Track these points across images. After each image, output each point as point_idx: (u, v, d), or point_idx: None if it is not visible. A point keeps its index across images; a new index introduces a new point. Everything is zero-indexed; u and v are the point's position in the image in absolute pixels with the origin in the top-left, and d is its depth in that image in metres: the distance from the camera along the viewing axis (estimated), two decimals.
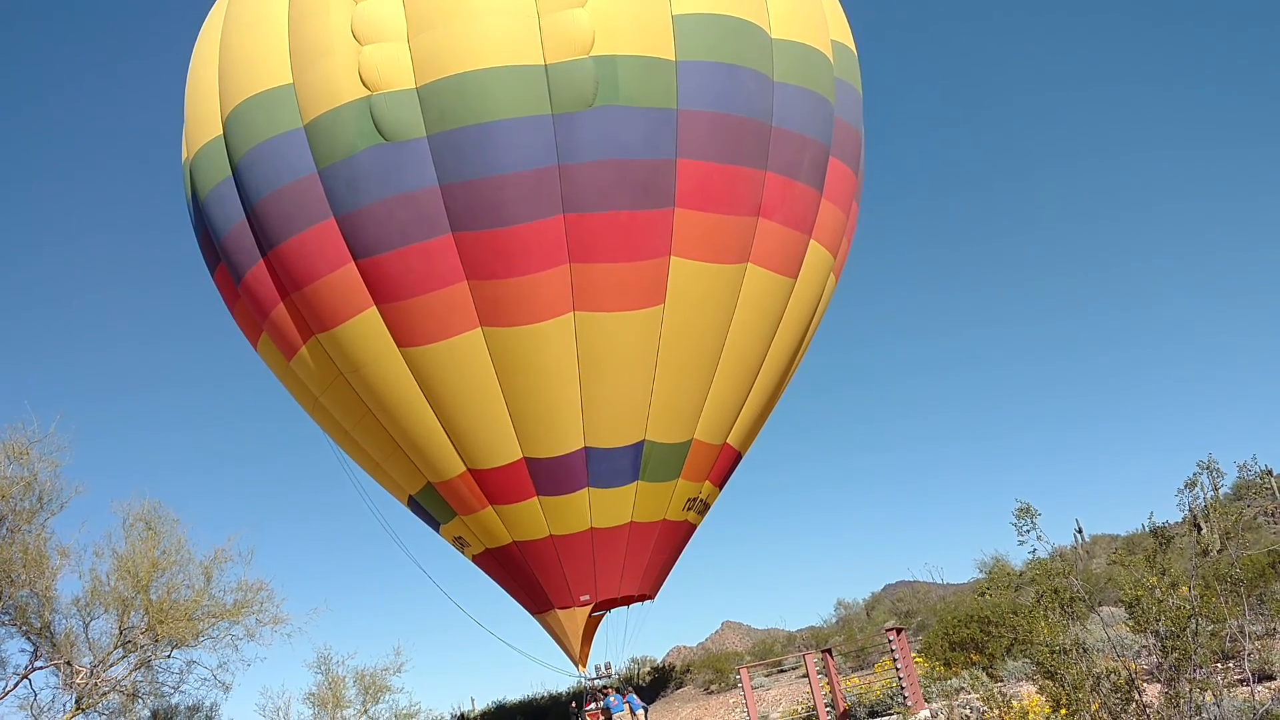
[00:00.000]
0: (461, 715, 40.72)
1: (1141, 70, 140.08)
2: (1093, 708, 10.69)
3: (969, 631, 24.42)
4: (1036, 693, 17.24)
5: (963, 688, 21.05)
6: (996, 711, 14.72)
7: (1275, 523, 46.60)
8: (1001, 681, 20.61)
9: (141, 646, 14.89)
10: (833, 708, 19.78)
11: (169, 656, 15.52)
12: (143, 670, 15.11)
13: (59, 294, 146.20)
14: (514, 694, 45.51)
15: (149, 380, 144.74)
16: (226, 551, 15.85)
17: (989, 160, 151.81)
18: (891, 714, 18.56)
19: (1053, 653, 11.54)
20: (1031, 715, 14.79)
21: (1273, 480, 54.56)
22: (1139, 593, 12.09)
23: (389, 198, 23.79)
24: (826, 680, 20.36)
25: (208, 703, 18.04)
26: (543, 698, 40.30)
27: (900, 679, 18.09)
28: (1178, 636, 10.65)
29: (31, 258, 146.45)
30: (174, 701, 16.96)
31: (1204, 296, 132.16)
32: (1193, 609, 11.01)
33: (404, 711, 19.29)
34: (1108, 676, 11.65)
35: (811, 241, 26.94)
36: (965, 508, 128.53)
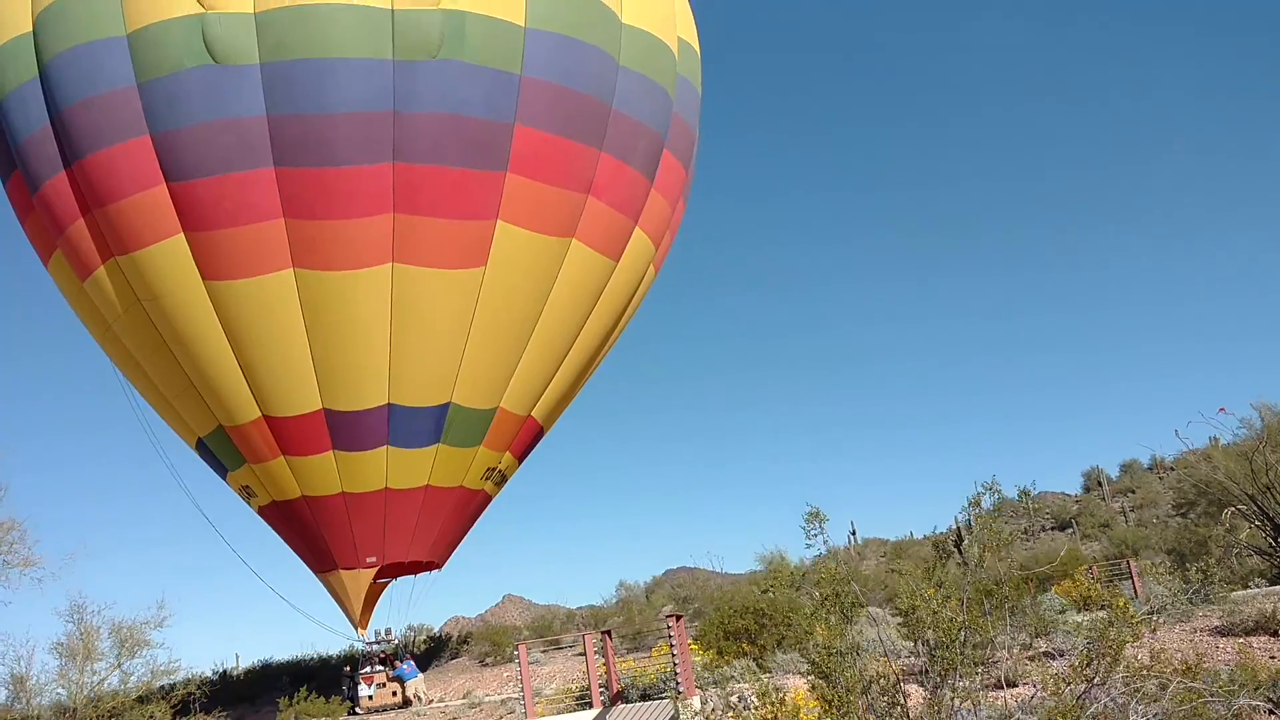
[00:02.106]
0: (224, 673, 39.04)
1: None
2: (860, 710, 11.29)
3: (744, 622, 25.26)
4: (807, 689, 18.11)
5: (734, 677, 21.81)
6: (770, 708, 15.25)
7: (1026, 539, 50.46)
8: (770, 673, 21.48)
9: None
10: (606, 688, 20.12)
11: None
12: None
13: None
14: (281, 653, 43.96)
15: None
16: None
17: (824, 165, 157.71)
18: (664, 697, 19.02)
19: (829, 654, 12.02)
20: (802, 713, 15.32)
21: (1029, 501, 59.17)
22: (915, 602, 12.61)
23: (213, 121, 22.78)
24: (603, 661, 20.71)
25: None
26: (312, 659, 39.19)
27: (675, 665, 18.58)
28: (946, 647, 11.20)
29: None
30: None
31: (998, 312, 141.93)
32: (962, 623, 11.65)
33: (162, 668, 18.43)
34: (877, 680, 12.24)
35: (637, 228, 27.45)
36: (748, 501, 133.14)
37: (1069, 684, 11.04)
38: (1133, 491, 56.32)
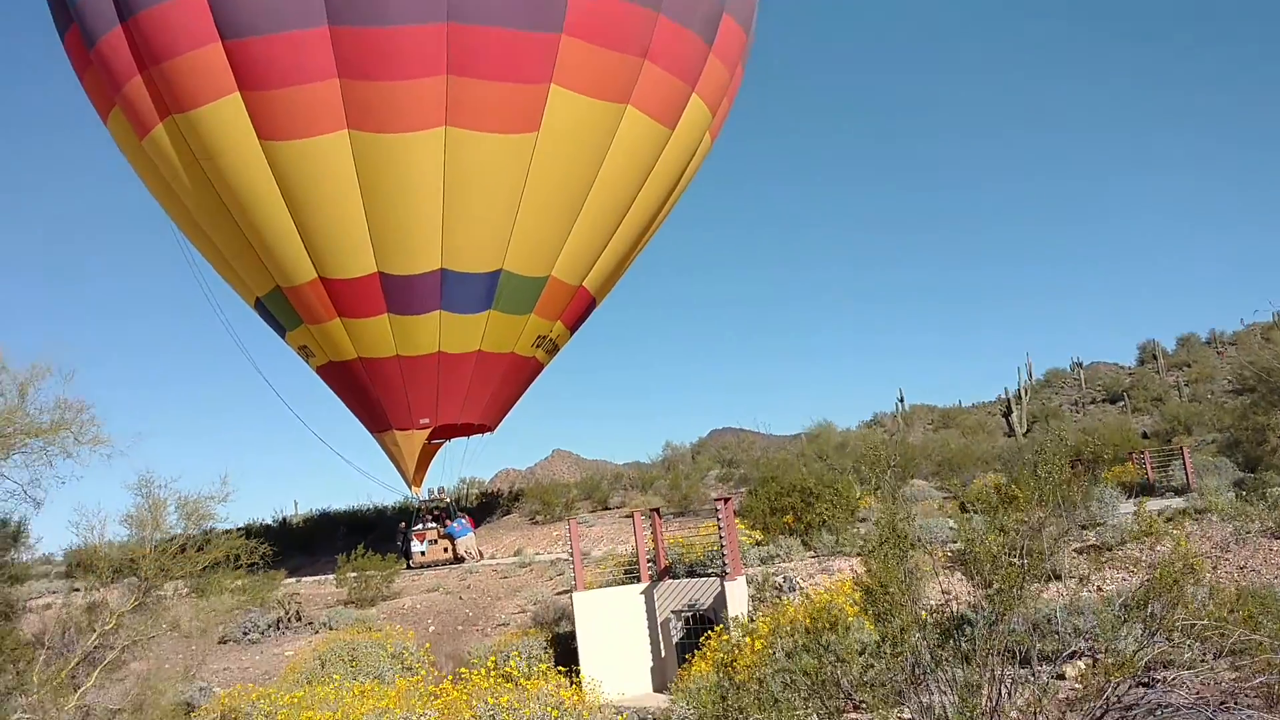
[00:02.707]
0: (284, 519, 40.74)
1: None
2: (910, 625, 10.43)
3: (790, 500, 25.40)
4: (852, 578, 18.18)
5: (778, 555, 22.09)
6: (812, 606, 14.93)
7: (1078, 411, 49.68)
8: (815, 553, 21.71)
9: None
10: (654, 562, 20.49)
11: None
12: None
13: None
14: (338, 503, 45.47)
15: None
16: (44, 366, 14.99)
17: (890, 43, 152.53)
18: (710, 574, 19.32)
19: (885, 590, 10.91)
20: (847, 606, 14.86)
21: (1080, 372, 57.97)
22: (978, 550, 11.12)
23: None
24: (651, 536, 21.03)
25: (16, 518, 17.39)
26: (368, 510, 40.74)
27: (723, 545, 18.78)
28: (1006, 592, 10.07)
29: None
30: None
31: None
32: (1022, 570, 10.37)
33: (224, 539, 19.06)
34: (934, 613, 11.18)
35: (694, 94, 26.81)
36: (796, 364, 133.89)
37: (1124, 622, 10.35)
38: (1188, 365, 54.10)
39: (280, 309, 27.42)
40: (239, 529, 26.13)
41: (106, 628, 16.14)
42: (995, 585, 9.08)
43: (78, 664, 15.60)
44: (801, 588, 19.04)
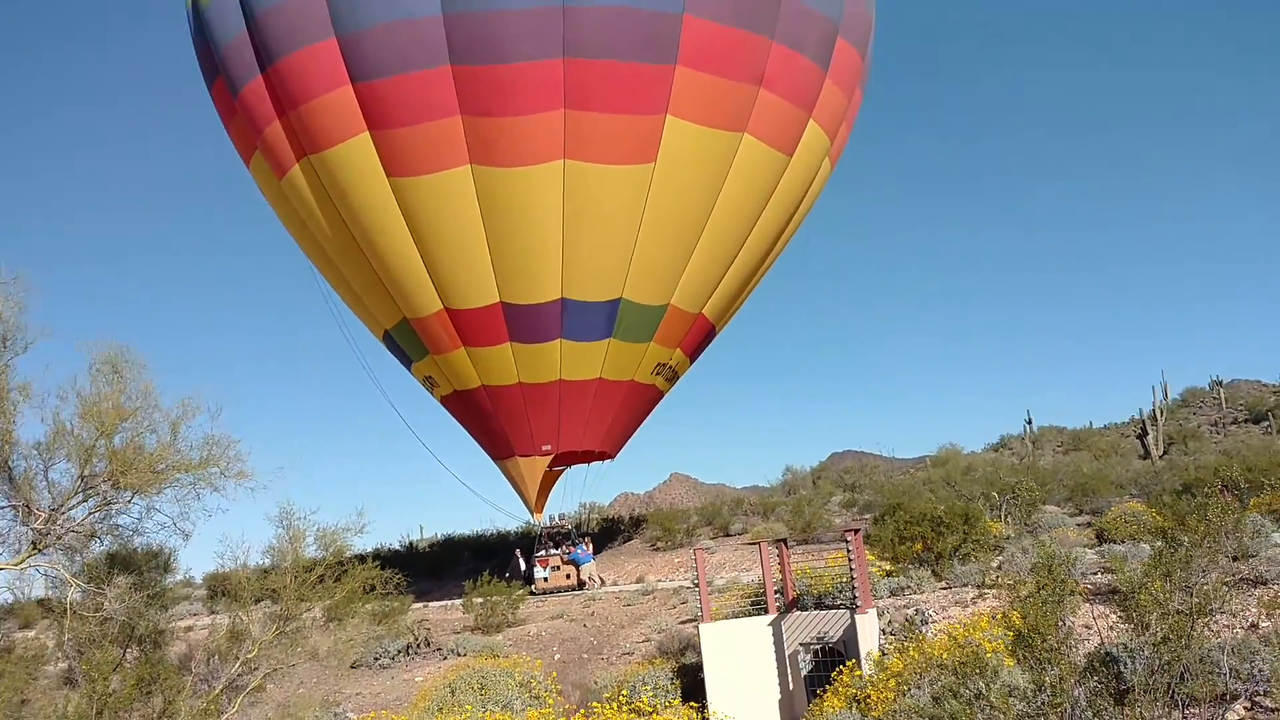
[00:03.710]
0: (410, 544, 41.37)
1: None
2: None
3: (920, 529, 24.63)
4: (990, 613, 17.41)
5: (908, 586, 21.43)
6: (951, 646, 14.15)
7: (1218, 432, 47.04)
8: (945, 583, 20.98)
9: (102, 493, 14.64)
10: (781, 594, 20.02)
11: (129, 503, 15.25)
12: (101, 513, 14.90)
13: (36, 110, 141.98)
14: (463, 528, 45.92)
15: (128, 213, 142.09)
16: (194, 404, 15.39)
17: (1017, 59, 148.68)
18: (839, 607, 18.77)
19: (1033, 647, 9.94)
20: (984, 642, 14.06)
21: (1220, 391, 54.84)
22: (1142, 597, 10.37)
23: (392, 21, 23.18)
24: (779, 567, 20.54)
25: (166, 549, 17.90)
26: (492, 535, 40.93)
27: (853, 577, 18.22)
28: (1174, 642, 9.51)
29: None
30: (134, 545, 16.79)
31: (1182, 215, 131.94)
32: (1193, 612, 9.83)
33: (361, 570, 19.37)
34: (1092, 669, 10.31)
35: (811, 120, 26.43)
36: (920, 386, 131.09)
37: None
38: None
39: (407, 340, 27.92)
40: (369, 554, 26.67)
41: (249, 655, 16.44)
42: (1161, 634, 8.42)
43: (221, 691, 15.88)
44: (935, 620, 18.31)
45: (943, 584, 21.20)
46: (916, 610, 19.00)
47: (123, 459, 14.26)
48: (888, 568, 22.74)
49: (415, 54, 23.33)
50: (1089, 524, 26.79)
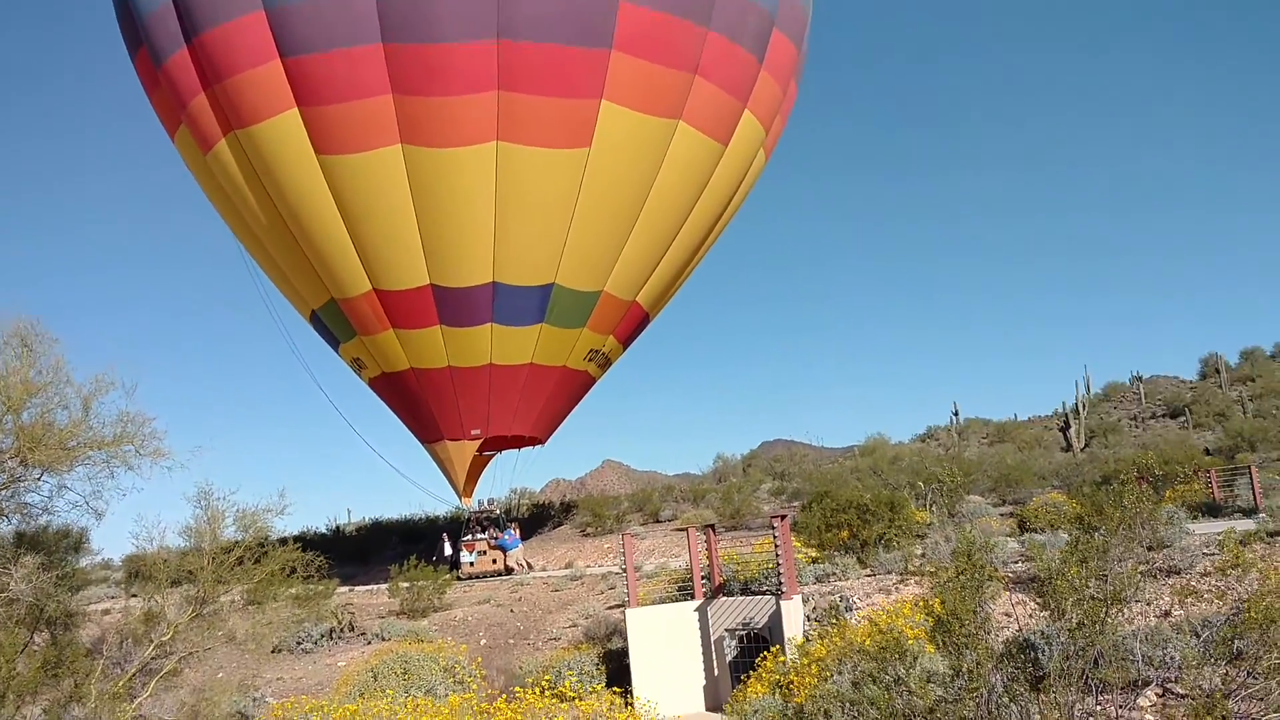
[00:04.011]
0: (338, 528, 40.73)
1: None
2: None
3: (846, 517, 24.83)
4: (914, 599, 17.52)
5: (833, 573, 21.58)
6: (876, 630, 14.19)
7: (1137, 426, 48.26)
8: (870, 570, 21.16)
9: (9, 470, 14.05)
10: (708, 579, 20.02)
11: (39, 480, 14.68)
12: (8, 491, 14.31)
13: None
14: (391, 513, 45.25)
15: (42, 179, 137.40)
16: (108, 379, 14.84)
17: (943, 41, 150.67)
18: (765, 593, 18.80)
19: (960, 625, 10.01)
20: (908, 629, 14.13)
21: (1140, 386, 56.27)
22: (1058, 584, 10.40)
23: None
24: (706, 553, 20.55)
25: (77, 529, 17.26)
26: (420, 520, 40.52)
27: (779, 563, 18.26)
28: (1088, 627, 9.68)
29: None
30: (42, 523, 16.13)
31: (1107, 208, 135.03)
32: (1107, 599, 10.00)
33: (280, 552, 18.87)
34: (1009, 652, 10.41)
35: (746, 111, 26.42)
36: (847, 375, 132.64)
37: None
38: (1253, 380, 52.04)
39: (335, 321, 27.39)
40: (294, 537, 26.13)
41: (164, 638, 16.00)
42: (1076, 619, 8.52)
43: (134, 675, 15.45)
44: (858, 607, 18.46)
45: (867, 571, 21.38)
46: (841, 597, 19.13)
47: (31, 435, 13.75)
48: (814, 555, 22.89)
49: (346, 30, 22.80)
50: (1012, 514, 27.28)
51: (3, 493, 14.34)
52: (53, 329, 14.09)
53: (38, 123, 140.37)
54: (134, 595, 18.06)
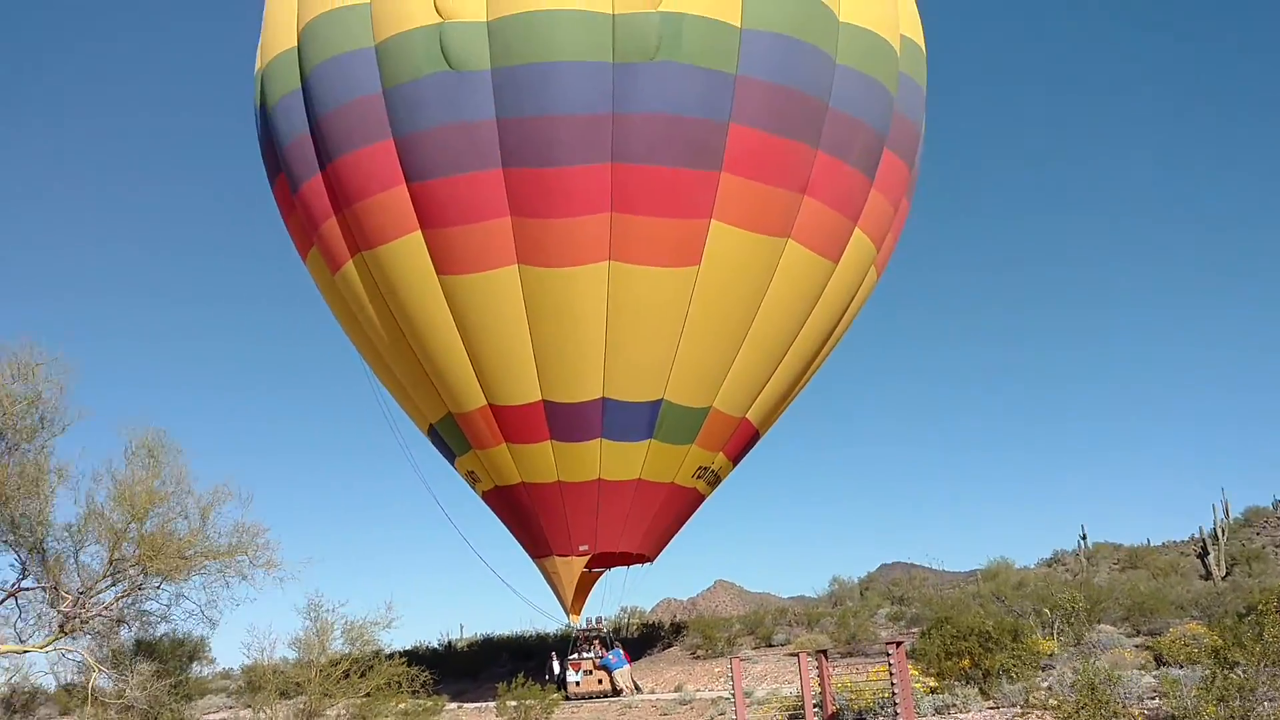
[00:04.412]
0: (449, 643, 40.66)
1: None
2: None
3: (967, 645, 23.70)
4: None
5: (953, 704, 20.53)
6: None
7: None
8: (993, 702, 20.05)
9: (130, 577, 14.57)
10: (820, 708, 19.22)
11: (158, 588, 15.11)
12: (130, 599, 14.79)
13: (90, 197, 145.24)
14: (502, 628, 45.12)
15: (170, 302, 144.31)
16: (225, 490, 15.34)
17: (1058, 169, 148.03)
18: None
19: None
20: None
21: None
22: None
23: (447, 125, 23.72)
24: (818, 679, 19.77)
25: (195, 636, 17.68)
26: (531, 636, 40.00)
27: (894, 692, 17.41)
28: None
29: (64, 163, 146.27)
30: (159, 632, 16.58)
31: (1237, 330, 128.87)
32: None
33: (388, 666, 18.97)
34: None
35: (856, 229, 26.40)
36: (970, 497, 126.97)
37: None
38: None
39: (451, 435, 27.89)
40: (405, 651, 26.20)
41: None
42: None
43: None
44: None
45: (990, 703, 20.21)
46: None
47: (152, 544, 14.13)
48: (932, 684, 21.78)
49: (469, 156, 23.79)
50: (1146, 645, 25.55)
51: (124, 600, 14.74)
52: (177, 438, 14.58)
53: (178, 235, 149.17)
54: (248, 706, 18.17)
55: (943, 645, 23.06)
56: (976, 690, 20.86)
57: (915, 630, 28.98)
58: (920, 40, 28.03)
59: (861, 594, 41.01)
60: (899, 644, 17.69)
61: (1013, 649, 21.78)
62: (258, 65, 27.87)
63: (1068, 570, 45.10)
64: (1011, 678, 20.75)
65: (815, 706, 18.95)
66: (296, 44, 25.89)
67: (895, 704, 17.10)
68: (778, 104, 23.72)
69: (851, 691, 20.48)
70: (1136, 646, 26.03)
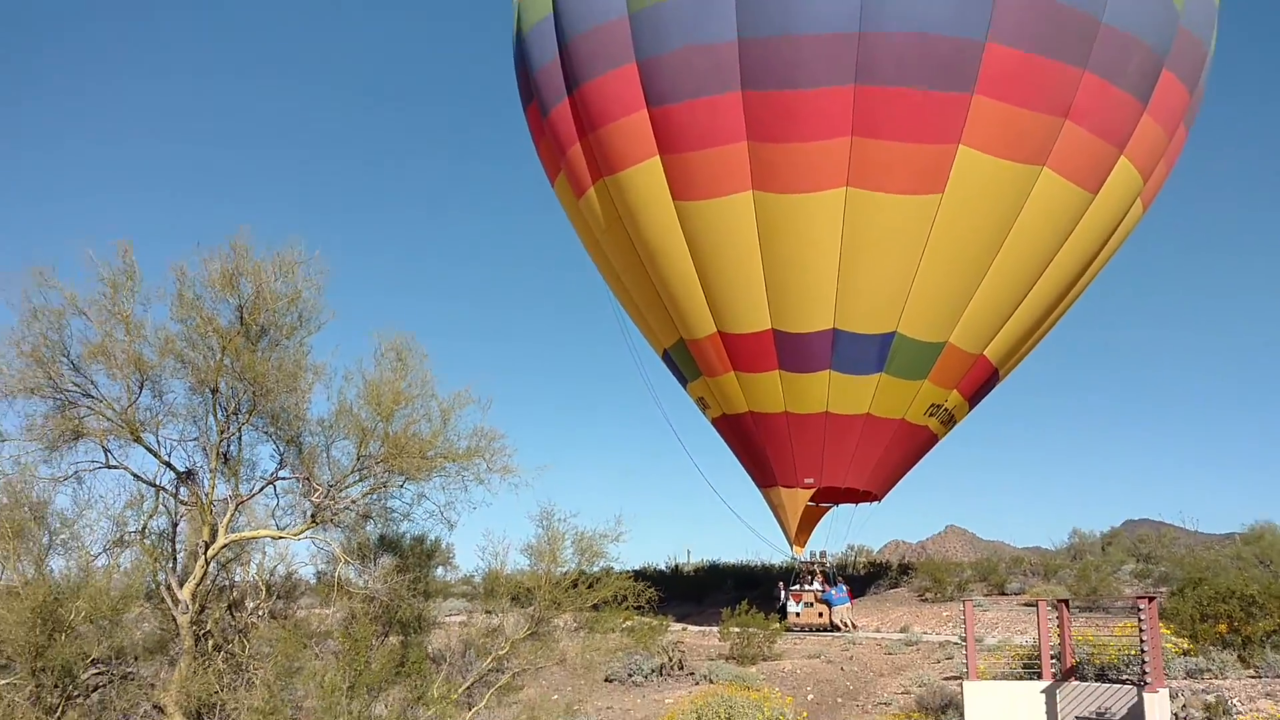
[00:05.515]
0: (676, 566, 41.28)
1: None
2: None
3: (1226, 607, 21.65)
4: None
5: (1208, 669, 18.88)
6: None
7: None
8: (1254, 671, 18.26)
9: (376, 474, 15.08)
10: (1058, 659, 18.03)
11: (401, 487, 15.62)
12: (375, 495, 15.34)
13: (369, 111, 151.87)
14: (728, 556, 45.36)
15: (429, 211, 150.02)
16: (466, 395, 15.61)
17: None
18: (1125, 682, 16.66)
19: None
20: None
21: None
22: None
23: (689, 45, 23.16)
24: (1057, 629, 18.54)
25: (433, 536, 18.31)
26: (756, 566, 40.03)
27: (1144, 649, 16.05)
28: None
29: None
30: (401, 529, 17.28)
31: None
32: None
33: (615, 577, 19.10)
34: None
35: (1122, 157, 23.98)
36: (1234, 455, 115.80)
37: None
38: None
39: (683, 360, 27.85)
40: (633, 570, 26.54)
41: (501, 652, 16.50)
42: None
43: (473, 684, 15.99)
44: (1240, 712, 15.80)
45: (1250, 672, 18.41)
46: (1218, 697, 16.52)
47: (396, 443, 14.57)
48: (1185, 646, 20.09)
49: (709, 79, 23.20)
50: None
51: (370, 496, 15.38)
52: (425, 344, 14.92)
53: (442, 154, 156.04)
54: (487, 611, 18.83)
55: (1198, 606, 21.20)
56: (1235, 657, 19.09)
57: (1164, 589, 26.84)
58: None
59: (1104, 549, 38.34)
60: (1151, 599, 16.24)
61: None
62: None
63: None
64: (1276, 647, 18.83)
65: (1053, 658, 17.80)
66: None
67: (1144, 661, 15.75)
68: (1041, 19, 21.71)
69: (1093, 646, 19.18)
70: None
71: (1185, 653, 19.42)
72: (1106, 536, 40.99)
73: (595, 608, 17.70)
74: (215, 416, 13.81)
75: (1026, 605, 27.39)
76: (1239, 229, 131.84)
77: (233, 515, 13.59)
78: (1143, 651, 15.76)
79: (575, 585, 17.65)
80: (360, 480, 14.87)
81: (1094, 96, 22.79)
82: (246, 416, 14.01)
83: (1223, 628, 20.37)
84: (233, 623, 15.09)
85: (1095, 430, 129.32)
